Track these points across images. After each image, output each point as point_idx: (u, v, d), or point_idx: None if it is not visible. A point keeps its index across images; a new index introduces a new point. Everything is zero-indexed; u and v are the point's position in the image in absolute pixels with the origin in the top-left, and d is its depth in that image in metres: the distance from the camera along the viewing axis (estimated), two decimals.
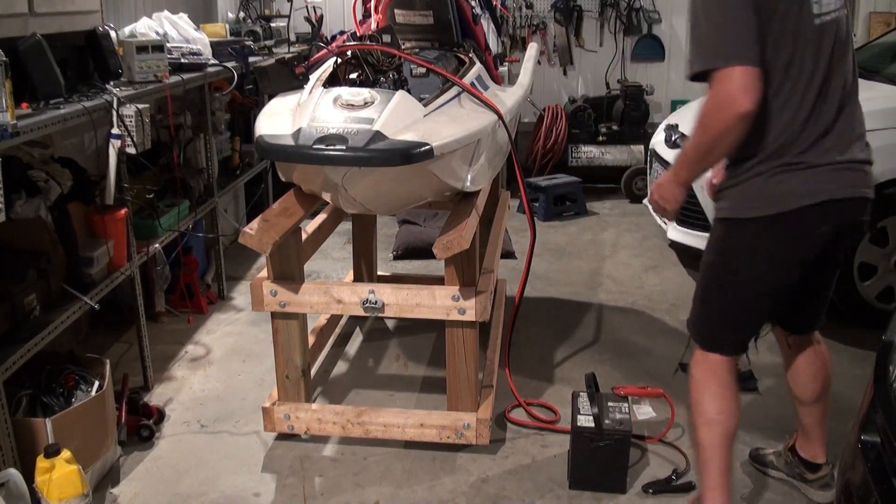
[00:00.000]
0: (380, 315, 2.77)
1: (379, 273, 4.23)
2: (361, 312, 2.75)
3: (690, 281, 4.58)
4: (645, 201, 5.29)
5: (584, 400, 2.70)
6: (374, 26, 3.51)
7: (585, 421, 2.62)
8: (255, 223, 2.66)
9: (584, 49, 6.76)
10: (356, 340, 3.85)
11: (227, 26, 5.01)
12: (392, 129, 2.37)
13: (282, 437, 2.98)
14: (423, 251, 4.86)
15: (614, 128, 6.44)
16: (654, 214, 2.23)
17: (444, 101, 2.69)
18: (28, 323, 2.54)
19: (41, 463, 2.31)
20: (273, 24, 5.46)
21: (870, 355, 2.22)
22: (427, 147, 2.33)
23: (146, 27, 3.70)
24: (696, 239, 4.30)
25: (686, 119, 4.73)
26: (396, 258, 5.02)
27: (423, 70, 2.88)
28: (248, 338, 3.86)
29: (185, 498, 2.65)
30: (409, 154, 2.31)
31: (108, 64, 3.03)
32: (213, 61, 3.96)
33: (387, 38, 3.03)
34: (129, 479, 2.75)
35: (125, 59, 3.20)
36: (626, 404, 2.71)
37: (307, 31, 5.82)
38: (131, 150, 3.01)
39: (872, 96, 4.14)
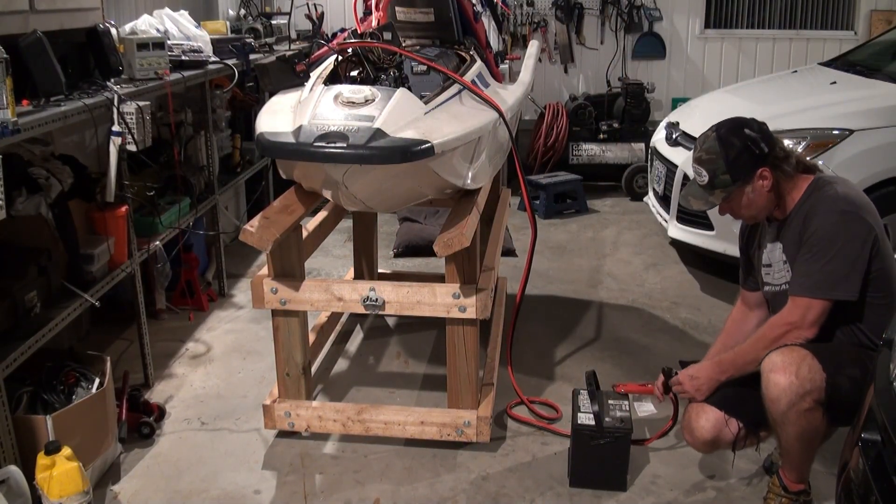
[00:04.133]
0: (380, 313, 2.77)
1: (379, 271, 4.23)
2: (362, 310, 2.75)
3: (691, 279, 4.58)
4: (645, 199, 5.29)
5: (584, 397, 2.70)
6: (374, 24, 3.51)
7: (586, 419, 2.62)
8: (255, 220, 2.66)
9: (584, 47, 6.76)
10: (357, 338, 3.86)
11: (228, 24, 5.01)
12: (393, 126, 2.37)
13: (282, 434, 2.98)
14: (423, 249, 4.86)
15: (615, 125, 6.43)
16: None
17: (444, 99, 2.69)
18: (29, 320, 2.54)
19: (42, 460, 2.31)
20: (274, 22, 5.46)
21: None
22: (428, 145, 2.33)
23: (147, 24, 3.70)
24: (697, 237, 4.30)
25: (686, 117, 4.73)
26: (397, 256, 5.03)
27: (423, 68, 2.88)
28: (248, 335, 3.86)
29: (185, 495, 2.65)
30: (410, 151, 2.31)
31: (108, 61, 3.03)
32: (213, 59, 3.96)
33: (387, 35, 3.02)
34: (129, 476, 2.75)
35: (126, 56, 3.19)
36: (626, 402, 2.71)
37: (308, 29, 5.81)
38: (132, 148, 3.01)
39: (873, 94, 4.15)
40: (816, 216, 2.26)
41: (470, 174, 2.79)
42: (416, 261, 4.93)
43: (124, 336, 3.76)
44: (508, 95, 3.39)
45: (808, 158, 2.44)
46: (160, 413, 3.10)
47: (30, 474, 2.32)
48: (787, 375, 2.16)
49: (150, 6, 4.17)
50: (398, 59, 2.98)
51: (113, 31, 3.15)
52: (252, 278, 2.79)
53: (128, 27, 3.62)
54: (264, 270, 2.82)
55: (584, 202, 6.01)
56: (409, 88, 2.75)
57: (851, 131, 3.79)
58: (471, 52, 3.43)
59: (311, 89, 2.69)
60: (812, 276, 2.22)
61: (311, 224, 3.21)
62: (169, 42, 3.61)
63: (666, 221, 4.59)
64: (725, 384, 2.46)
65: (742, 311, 2.68)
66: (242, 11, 5.65)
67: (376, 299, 2.70)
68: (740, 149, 2.30)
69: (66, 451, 2.34)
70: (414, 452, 2.87)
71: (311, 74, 2.93)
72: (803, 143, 3.79)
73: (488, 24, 5.11)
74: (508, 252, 4.92)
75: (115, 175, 3.01)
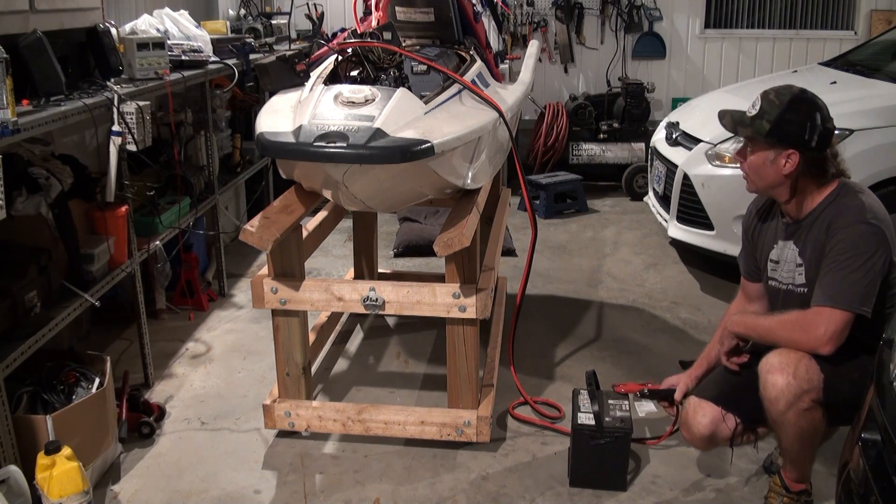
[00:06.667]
0: (380, 312, 2.77)
1: (380, 270, 4.23)
2: (362, 310, 2.75)
3: (691, 279, 4.58)
4: (645, 199, 5.30)
5: (584, 397, 2.70)
6: (374, 24, 3.51)
7: (586, 419, 2.62)
8: (255, 220, 2.66)
9: (584, 46, 6.76)
10: (357, 338, 3.85)
11: (228, 23, 5.02)
12: (393, 126, 2.37)
13: (282, 434, 2.98)
14: (423, 248, 4.86)
15: (615, 125, 6.43)
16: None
17: (444, 99, 2.69)
18: (29, 320, 2.54)
19: (42, 460, 2.31)
20: (274, 22, 5.46)
21: None
22: (428, 144, 2.33)
23: (147, 24, 3.70)
24: (697, 237, 4.30)
25: (686, 117, 4.73)
26: (397, 255, 5.03)
27: (423, 67, 2.88)
28: (248, 335, 3.86)
29: (185, 495, 2.65)
30: (410, 151, 2.31)
31: (108, 61, 3.03)
32: (213, 58, 3.96)
33: (388, 35, 3.02)
34: (129, 475, 2.75)
35: (126, 56, 3.19)
36: (626, 402, 2.71)
37: (308, 29, 5.82)
38: (132, 147, 3.01)
39: (872, 94, 4.15)
40: (843, 227, 2.20)
41: (470, 174, 2.79)
42: (416, 261, 4.93)
43: (124, 336, 3.76)
44: (508, 95, 3.39)
45: (842, 167, 2.37)
46: (160, 413, 3.10)
47: (30, 474, 2.32)
48: (784, 376, 2.16)
49: (150, 6, 4.17)
50: (398, 59, 2.98)
51: (113, 30, 3.15)
52: (252, 278, 2.79)
53: (128, 27, 3.62)
54: (264, 270, 2.82)
55: (584, 202, 6.02)
56: (409, 88, 2.75)
57: (851, 131, 3.79)
58: (471, 52, 3.42)
59: (311, 89, 2.69)
60: (835, 286, 2.17)
61: (311, 224, 3.21)
62: (169, 42, 3.60)
63: (666, 221, 4.59)
64: (723, 381, 2.46)
65: (741, 305, 2.65)
66: (242, 11, 5.65)
67: (376, 299, 2.70)
68: (796, 121, 2.23)
69: (66, 450, 2.34)
70: (414, 452, 2.87)
71: (311, 74, 2.93)
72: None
73: (488, 24, 5.11)
74: (508, 252, 4.92)
75: (115, 175, 3.01)
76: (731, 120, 2.37)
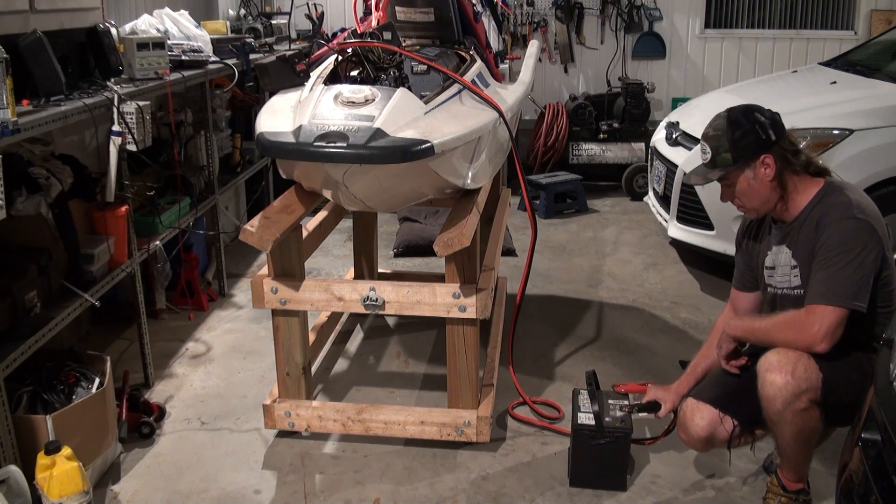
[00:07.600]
0: (380, 312, 2.77)
1: (380, 270, 4.23)
2: (362, 310, 2.75)
3: (691, 279, 4.58)
4: (645, 199, 5.30)
5: (584, 397, 2.70)
6: (374, 23, 3.51)
7: (586, 418, 2.62)
8: (255, 220, 2.66)
9: (585, 46, 6.76)
10: (357, 338, 3.86)
11: (228, 23, 5.02)
12: (393, 126, 2.37)
13: (282, 434, 2.98)
14: (423, 248, 4.86)
15: (615, 125, 6.43)
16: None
17: (444, 99, 2.69)
18: (29, 320, 2.54)
19: (42, 460, 2.31)
20: (274, 22, 5.46)
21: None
22: (427, 144, 2.33)
23: (147, 24, 3.70)
24: (697, 237, 4.30)
25: (686, 117, 4.73)
26: (397, 255, 5.03)
27: (423, 67, 2.88)
28: (248, 335, 3.86)
29: (185, 495, 2.65)
30: (410, 151, 2.31)
31: (108, 61, 3.03)
32: (213, 58, 3.96)
33: (388, 35, 3.02)
34: (129, 475, 2.75)
35: (126, 56, 3.20)
36: (626, 401, 2.71)
37: (308, 29, 5.82)
38: (132, 147, 3.01)
39: (873, 94, 4.14)
40: (831, 224, 2.22)
41: (470, 174, 2.79)
42: (416, 261, 4.93)
43: (124, 336, 3.76)
44: (508, 95, 3.39)
45: (819, 162, 2.40)
46: (160, 413, 3.10)
47: (30, 474, 2.32)
48: (783, 374, 2.16)
49: (150, 6, 4.17)
50: (398, 59, 2.98)
51: (113, 30, 3.15)
52: (252, 278, 2.80)
53: (128, 27, 3.62)
54: (264, 270, 2.82)
55: (584, 202, 6.02)
56: (410, 88, 2.75)
57: (851, 131, 3.79)
58: (471, 52, 3.43)
59: (311, 89, 2.69)
60: (827, 283, 2.18)
61: (311, 224, 3.21)
62: (169, 42, 3.60)
63: (666, 221, 4.59)
64: (721, 383, 2.46)
65: (728, 317, 2.63)
66: (242, 11, 5.65)
67: (376, 299, 2.70)
68: (746, 130, 2.30)
69: (66, 450, 2.34)
70: (414, 452, 2.87)
71: (311, 74, 2.93)
72: (803, 144, 3.76)
73: (488, 24, 5.11)
74: (508, 252, 4.92)
75: (115, 175, 3.01)
76: (697, 176, 2.43)
